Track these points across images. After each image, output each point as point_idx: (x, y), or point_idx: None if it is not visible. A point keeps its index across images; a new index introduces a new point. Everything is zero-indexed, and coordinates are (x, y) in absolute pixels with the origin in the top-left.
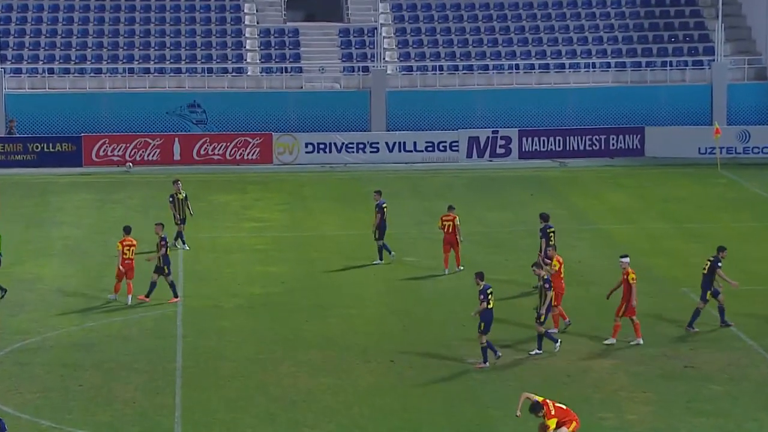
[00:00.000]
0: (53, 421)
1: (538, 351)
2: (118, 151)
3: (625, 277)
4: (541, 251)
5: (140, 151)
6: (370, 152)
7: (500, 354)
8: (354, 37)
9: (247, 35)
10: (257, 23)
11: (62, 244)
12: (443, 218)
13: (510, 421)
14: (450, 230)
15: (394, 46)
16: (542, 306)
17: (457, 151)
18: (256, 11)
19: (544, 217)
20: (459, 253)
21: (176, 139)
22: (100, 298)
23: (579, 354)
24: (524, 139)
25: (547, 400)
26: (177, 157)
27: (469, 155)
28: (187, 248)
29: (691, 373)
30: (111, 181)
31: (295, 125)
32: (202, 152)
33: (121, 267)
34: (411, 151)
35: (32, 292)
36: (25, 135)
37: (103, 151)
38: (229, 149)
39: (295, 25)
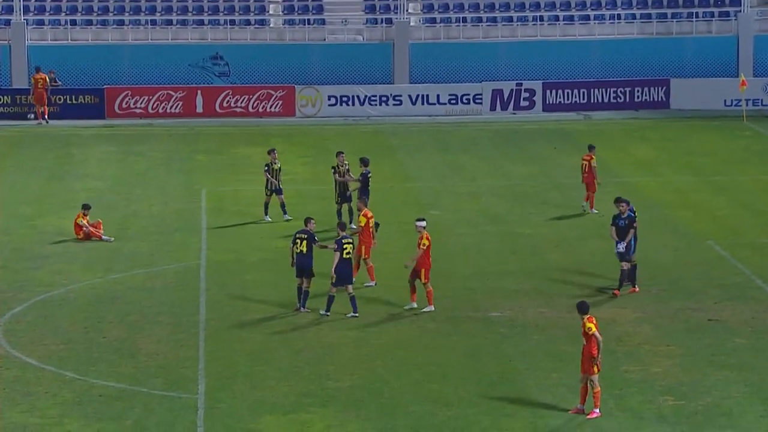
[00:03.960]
0: (77, 372)
1: None
2: (141, 104)
3: (420, 241)
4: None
5: (162, 104)
6: (393, 105)
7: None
8: None
9: None
10: None
11: (85, 196)
12: (583, 158)
13: (533, 374)
14: (586, 170)
15: None
16: None
17: (481, 103)
18: None
19: (365, 162)
20: (593, 195)
21: (199, 91)
22: (123, 251)
23: (602, 307)
24: (548, 91)
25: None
26: (199, 109)
27: (493, 108)
28: (289, 218)
29: (714, 326)
30: (133, 134)
31: (318, 78)
32: (224, 105)
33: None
34: (434, 104)
35: (55, 245)
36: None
37: (126, 104)
38: (251, 102)
39: None
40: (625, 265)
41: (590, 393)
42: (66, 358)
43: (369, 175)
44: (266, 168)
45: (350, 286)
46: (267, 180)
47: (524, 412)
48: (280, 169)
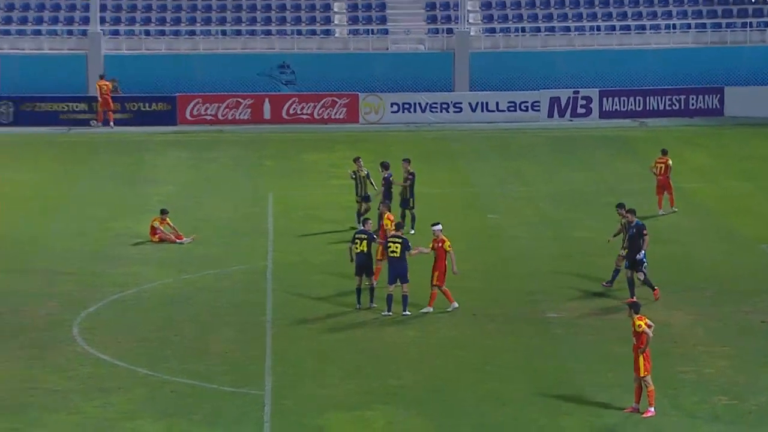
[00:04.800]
0: (150, 369)
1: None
2: (211, 111)
3: (440, 245)
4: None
5: (232, 111)
6: (454, 112)
7: (359, 307)
8: None
9: None
10: None
11: (157, 200)
12: (657, 161)
13: (589, 374)
14: (662, 172)
15: (477, 9)
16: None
17: (539, 110)
18: None
19: (385, 166)
20: (673, 195)
21: (266, 99)
22: (194, 253)
23: (657, 310)
24: (605, 99)
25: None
26: (267, 116)
27: (551, 115)
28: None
29: (767, 328)
30: (204, 140)
31: (381, 86)
32: (291, 112)
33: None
34: (493, 111)
35: (129, 247)
36: (124, 95)
37: (197, 111)
38: (317, 109)
39: None
40: (641, 275)
41: (644, 392)
42: (139, 355)
43: (390, 178)
44: (352, 176)
45: (405, 285)
46: (356, 187)
47: (580, 411)
48: (367, 176)
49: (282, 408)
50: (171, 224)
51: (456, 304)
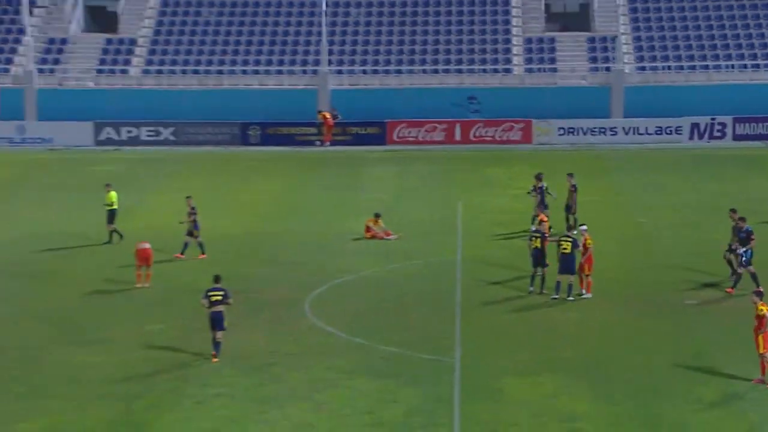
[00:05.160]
0: (364, 339)
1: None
2: (413, 134)
3: (585, 242)
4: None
5: (429, 134)
6: (610, 135)
7: (532, 290)
8: (598, 43)
9: (513, 42)
10: (522, 33)
11: (370, 205)
12: None
13: (720, 351)
14: None
15: (631, 51)
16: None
17: (681, 134)
18: (522, 24)
19: (539, 177)
20: None
21: (457, 124)
22: (399, 247)
23: None
24: (737, 124)
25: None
26: (458, 138)
27: (691, 138)
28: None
29: None
30: (407, 157)
31: (550, 113)
32: (477, 134)
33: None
34: (643, 134)
35: (348, 242)
36: (345, 120)
37: (402, 133)
38: (497, 132)
39: (552, 34)
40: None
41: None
42: (356, 328)
43: (544, 187)
44: (532, 190)
45: (570, 276)
46: (538, 199)
47: (714, 380)
48: (546, 189)
49: (468, 373)
50: (382, 224)
51: (589, 294)
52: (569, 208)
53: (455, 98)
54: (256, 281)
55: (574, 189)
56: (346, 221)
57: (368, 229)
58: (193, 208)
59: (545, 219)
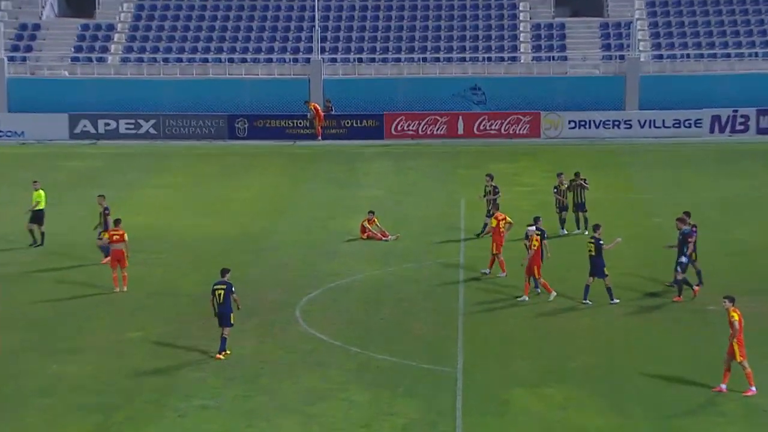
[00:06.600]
0: (359, 347)
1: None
2: (412, 127)
3: (531, 243)
4: None
5: (430, 127)
6: (624, 128)
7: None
8: (612, 29)
9: (521, 29)
10: (530, 19)
11: (367, 203)
12: None
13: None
14: None
15: (647, 37)
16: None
17: (701, 127)
18: (529, 8)
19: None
20: None
21: (460, 116)
22: (396, 248)
23: None
24: (761, 117)
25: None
26: (460, 131)
27: (712, 131)
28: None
29: None
30: (406, 152)
31: (560, 105)
32: (481, 128)
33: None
34: (660, 128)
35: (342, 243)
36: (339, 113)
37: (400, 127)
38: (503, 125)
39: (562, 20)
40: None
41: (743, 375)
42: (350, 335)
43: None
44: (555, 189)
45: (606, 279)
46: (555, 200)
47: (737, 392)
48: (569, 188)
49: (472, 383)
50: (378, 224)
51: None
52: (582, 207)
53: (458, 89)
54: (243, 285)
55: (584, 185)
56: (341, 221)
57: (364, 229)
58: (106, 209)
59: (501, 217)
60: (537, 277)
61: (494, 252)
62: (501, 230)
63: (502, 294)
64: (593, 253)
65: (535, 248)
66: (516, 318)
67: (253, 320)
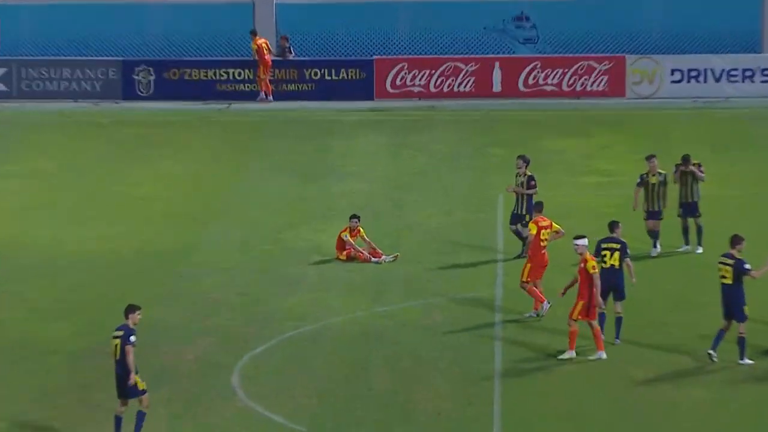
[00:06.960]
0: None
1: None
2: (420, 80)
3: (583, 265)
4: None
5: (448, 80)
6: (761, 83)
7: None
8: None
9: None
10: None
11: (347, 201)
12: None
13: None
14: None
15: None
16: None
17: None
18: None
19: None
20: None
21: (496, 63)
22: (394, 275)
23: None
24: None
25: None
26: (497, 87)
27: None
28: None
29: None
30: (410, 121)
31: (657, 44)
32: (530, 81)
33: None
34: None
35: (307, 266)
36: (302, 58)
37: (401, 80)
38: (566, 78)
39: None
40: None
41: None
42: (321, 416)
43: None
44: (640, 181)
45: (742, 324)
46: (647, 196)
47: None
48: (662, 183)
49: None
50: (365, 236)
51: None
52: (689, 209)
53: (492, 19)
54: (152, 332)
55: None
56: (305, 231)
57: (343, 244)
58: None
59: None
60: (592, 319)
61: (524, 279)
62: (542, 243)
63: (556, 343)
64: (729, 281)
65: (593, 273)
66: (579, 382)
67: (163, 391)
